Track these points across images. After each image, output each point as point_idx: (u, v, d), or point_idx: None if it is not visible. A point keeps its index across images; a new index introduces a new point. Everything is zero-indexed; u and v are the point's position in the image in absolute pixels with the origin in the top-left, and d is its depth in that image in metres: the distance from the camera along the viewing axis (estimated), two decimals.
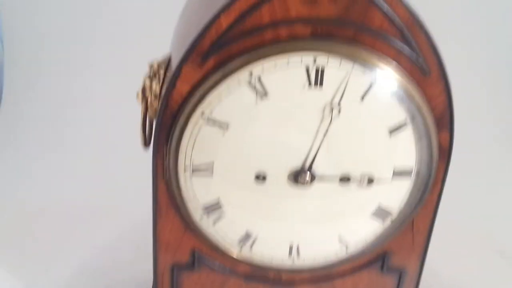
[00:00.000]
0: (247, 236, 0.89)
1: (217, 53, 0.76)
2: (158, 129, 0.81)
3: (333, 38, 0.76)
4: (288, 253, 0.91)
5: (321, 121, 0.79)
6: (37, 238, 1.34)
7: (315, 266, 0.93)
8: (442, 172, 0.87)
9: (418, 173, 0.85)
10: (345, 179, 0.84)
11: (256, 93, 0.77)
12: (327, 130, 0.80)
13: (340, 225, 0.89)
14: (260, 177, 0.83)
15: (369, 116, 0.80)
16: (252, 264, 0.92)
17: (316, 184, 0.84)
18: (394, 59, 0.78)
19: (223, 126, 0.79)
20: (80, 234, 1.35)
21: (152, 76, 0.84)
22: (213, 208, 0.86)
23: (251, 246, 0.90)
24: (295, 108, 0.78)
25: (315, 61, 0.75)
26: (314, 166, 0.82)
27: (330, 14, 0.75)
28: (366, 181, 0.84)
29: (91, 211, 1.41)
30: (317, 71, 0.76)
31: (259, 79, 0.76)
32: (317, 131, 0.80)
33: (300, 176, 0.82)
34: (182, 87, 0.78)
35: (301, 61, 0.75)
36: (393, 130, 0.81)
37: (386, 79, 0.77)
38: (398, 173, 0.84)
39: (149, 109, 0.85)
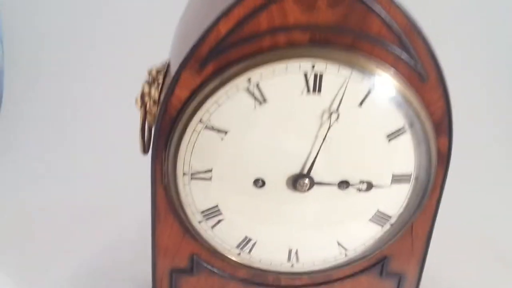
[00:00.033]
0: (246, 241, 0.89)
1: (215, 60, 0.76)
2: (157, 134, 0.81)
3: (331, 45, 0.76)
4: (287, 257, 0.91)
5: (320, 127, 0.79)
6: (37, 238, 1.34)
7: (314, 271, 0.93)
8: (441, 177, 0.87)
9: (417, 179, 0.85)
10: (344, 185, 0.84)
11: (255, 100, 0.77)
12: (325, 136, 0.80)
13: (339, 230, 0.89)
14: (259, 183, 0.83)
15: (368, 122, 0.80)
16: (251, 269, 0.92)
17: (315, 189, 0.84)
18: (392, 65, 0.78)
19: (221, 132, 0.79)
20: (80, 235, 1.34)
21: (151, 82, 0.85)
22: (212, 213, 0.86)
23: (250, 250, 0.90)
24: (294, 114, 0.78)
25: (313, 67, 0.76)
26: (312, 172, 0.82)
27: (328, 21, 0.75)
28: (364, 186, 0.84)
29: (91, 212, 1.41)
30: (315, 77, 0.76)
31: (258, 86, 0.76)
32: (316, 137, 0.80)
33: (298, 181, 0.82)
34: (181, 93, 0.78)
35: (300, 67, 0.75)
36: (392, 136, 0.81)
37: (384, 85, 0.77)
38: (397, 179, 0.84)
39: (148, 115, 0.85)
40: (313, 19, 0.75)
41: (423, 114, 0.80)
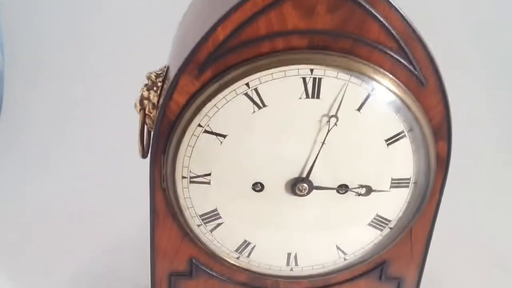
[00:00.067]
0: (245, 245, 0.89)
1: (214, 65, 0.76)
2: (156, 138, 0.81)
3: (330, 50, 0.76)
4: (286, 261, 0.91)
5: (319, 131, 0.79)
6: (37, 241, 1.34)
7: (313, 275, 0.93)
8: (440, 181, 0.87)
9: (416, 183, 0.85)
10: (342, 189, 0.84)
11: (254, 104, 0.77)
12: (324, 141, 0.80)
13: (338, 234, 0.89)
14: (258, 187, 0.83)
15: (366, 127, 0.80)
16: (250, 273, 0.92)
17: (314, 194, 0.84)
18: (391, 70, 0.78)
19: (220, 136, 0.79)
20: (80, 237, 1.35)
21: (150, 86, 0.85)
22: (211, 216, 0.86)
23: (249, 254, 0.90)
24: (292, 119, 0.78)
25: (312, 72, 0.76)
26: (311, 176, 0.82)
27: (327, 26, 0.75)
28: (363, 190, 0.84)
29: (91, 215, 1.41)
30: (314, 82, 0.76)
31: (256, 90, 0.76)
32: (315, 141, 0.80)
33: (297, 185, 0.83)
34: (179, 98, 0.78)
35: (298, 72, 0.75)
36: (391, 141, 0.81)
37: (383, 90, 0.77)
38: (396, 183, 0.84)
39: (147, 119, 0.85)
40: (311, 24, 0.75)
41: (422, 118, 0.80)
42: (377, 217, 0.87)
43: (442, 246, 1.08)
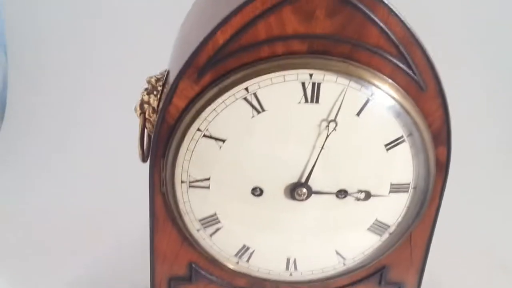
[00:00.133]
0: (244, 249, 0.89)
1: (213, 69, 0.76)
2: (155, 142, 0.81)
3: (330, 55, 0.76)
4: (285, 266, 0.91)
5: (318, 136, 0.79)
6: (38, 244, 1.34)
7: (313, 280, 0.93)
8: (440, 186, 0.87)
9: (415, 188, 0.85)
10: (342, 194, 0.84)
11: (253, 108, 0.77)
12: (323, 145, 0.80)
13: (337, 239, 0.89)
14: (257, 191, 0.83)
15: (366, 131, 0.80)
16: (250, 277, 0.92)
17: (313, 198, 0.84)
18: (390, 75, 0.78)
19: (219, 140, 0.79)
20: (80, 241, 1.35)
21: (150, 90, 0.85)
22: (210, 221, 0.86)
23: (249, 259, 0.90)
24: (292, 124, 0.79)
25: (311, 77, 0.76)
26: (310, 181, 0.82)
27: (326, 31, 0.75)
28: (363, 195, 0.84)
29: (91, 218, 1.41)
30: (313, 87, 0.76)
31: (255, 95, 0.76)
32: (314, 146, 0.80)
33: (296, 190, 0.83)
34: (179, 102, 0.78)
35: (297, 77, 0.76)
36: (390, 145, 0.81)
37: (382, 95, 0.77)
38: (395, 188, 0.84)
39: (147, 123, 0.85)
40: (311, 29, 0.75)
41: (421, 123, 0.80)
42: (376, 222, 0.87)
43: (442, 250, 1.08)
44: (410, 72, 0.78)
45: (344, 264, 0.91)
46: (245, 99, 0.76)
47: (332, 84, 0.76)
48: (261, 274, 0.92)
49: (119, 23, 1.78)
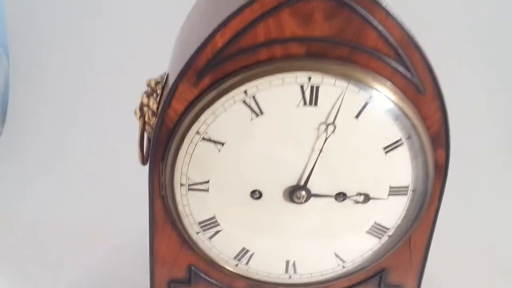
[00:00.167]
0: (243, 252, 0.89)
1: (212, 72, 0.76)
2: (155, 146, 0.82)
3: (328, 57, 0.76)
4: (284, 269, 0.91)
5: (316, 139, 0.79)
6: (38, 246, 1.35)
7: (312, 282, 0.93)
8: (438, 189, 0.87)
9: (414, 191, 0.85)
10: (340, 197, 0.84)
11: (251, 111, 0.77)
12: (322, 148, 0.80)
13: (336, 242, 0.89)
14: (256, 194, 0.83)
15: (364, 134, 0.80)
16: (249, 280, 0.92)
17: (312, 201, 0.84)
18: (388, 78, 0.78)
19: (218, 143, 0.79)
20: (80, 244, 1.35)
21: (150, 93, 0.85)
22: (209, 224, 0.86)
23: (248, 262, 0.90)
24: (290, 126, 0.79)
25: (309, 80, 0.76)
26: (309, 184, 0.82)
27: (325, 34, 0.75)
28: (362, 198, 0.84)
29: (91, 221, 1.41)
30: (311, 90, 0.76)
31: (254, 98, 0.76)
32: (312, 149, 0.80)
33: (295, 193, 0.83)
34: (178, 105, 0.78)
35: (296, 80, 0.76)
36: (389, 148, 0.81)
37: (380, 98, 0.78)
38: (394, 191, 0.84)
39: (147, 126, 0.85)
40: (309, 32, 0.75)
41: (420, 126, 0.80)
42: (375, 225, 0.87)
43: (442, 253, 1.08)
44: (408, 74, 0.78)
45: (343, 267, 0.91)
46: (244, 102, 0.77)
47: (330, 87, 0.76)
48: (260, 276, 0.92)
49: (119, 24, 1.79)
